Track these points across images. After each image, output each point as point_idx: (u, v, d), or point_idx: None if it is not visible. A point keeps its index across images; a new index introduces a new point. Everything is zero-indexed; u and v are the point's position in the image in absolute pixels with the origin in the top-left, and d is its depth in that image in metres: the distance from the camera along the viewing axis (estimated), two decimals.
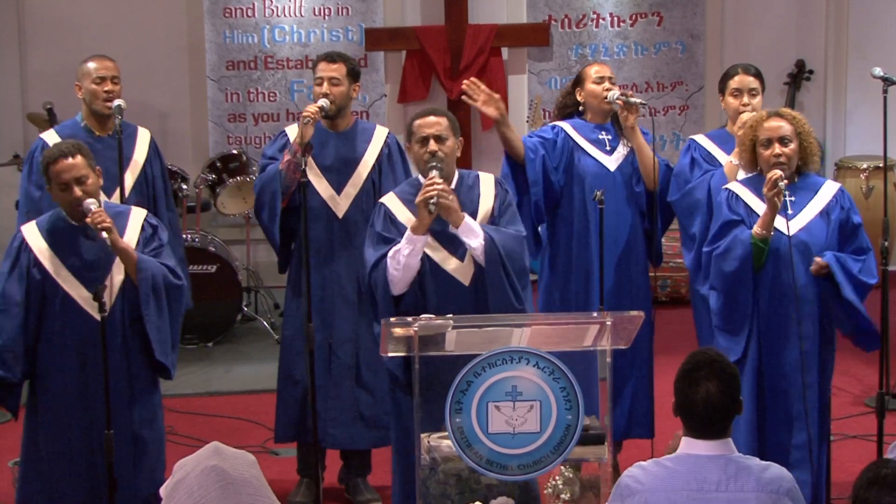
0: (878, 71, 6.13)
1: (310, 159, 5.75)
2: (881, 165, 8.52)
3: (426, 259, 5.08)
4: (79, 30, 9.27)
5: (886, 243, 5.97)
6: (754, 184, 5.36)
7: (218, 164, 8.73)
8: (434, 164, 5.07)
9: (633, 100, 5.88)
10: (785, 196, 5.20)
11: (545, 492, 4.90)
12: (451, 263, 5.11)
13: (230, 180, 8.60)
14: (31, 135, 8.98)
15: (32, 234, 5.15)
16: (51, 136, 6.00)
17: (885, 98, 6.01)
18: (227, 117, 9.49)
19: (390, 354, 4.82)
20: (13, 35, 9.33)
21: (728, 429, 3.74)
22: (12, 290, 5.07)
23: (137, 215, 5.23)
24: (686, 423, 3.74)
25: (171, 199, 6.32)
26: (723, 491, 3.65)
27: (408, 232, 5.04)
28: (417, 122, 5.18)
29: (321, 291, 5.85)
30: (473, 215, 5.11)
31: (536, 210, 5.95)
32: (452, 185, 5.15)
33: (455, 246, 5.09)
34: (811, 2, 9.62)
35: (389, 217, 5.16)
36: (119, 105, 5.93)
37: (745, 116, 5.67)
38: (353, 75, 5.92)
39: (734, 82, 5.93)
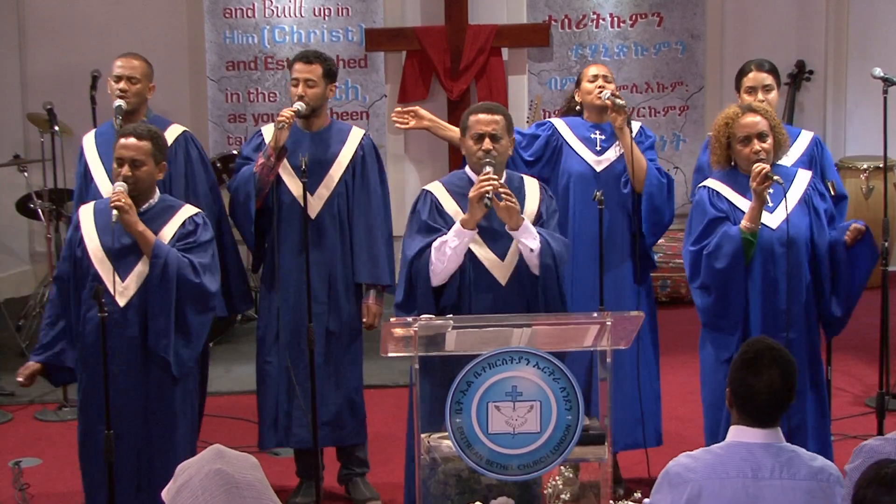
0: (878, 71, 6.14)
1: (284, 160, 5.76)
2: (881, 165, 8.53)
3: (467, 253, 5.08)
4: (79, 30, 9.27)
5: (886, 243, 5.97)
6: (732, 179, 5.37)
7: (218, 165, 8.72)
8: (488, 160, 5.06)
9: (618, 101, 5.81)
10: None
11: (545, 492, 4.90)
12: (491, 260, 5.11)
13: (230, 180, 8.58)
14: (32, 135, 8.98)
15: (86, 212, 5.27)
16: (88, 137, 6.07)
17: (885, 98, 6.02)
18: (228, 117, 9.49)
19: (391, 355, 4.81)
20: (13, 35, 9.34)
21: (780, 418, 3.72)
22: (62, 269, 5.26)
23: (185, 211, 5.28)
24: (743, 411, 3.71)
25: (201, 199, 5.94)
26: (776, 478, 3.63)
27: (457, 225, 5.03)
28: (474, 117, 5.17)
29: (292, 291, 5.83)
30: None
31: None
32: None
33: (497, 243, 5.09)
34: (811, 2, 9.62)
35: (437, 207, 5.16)
36: (119, 105, 5.92)
37: None
38: (330, 76, 5.89)
39: (748, 79, 5.88)
